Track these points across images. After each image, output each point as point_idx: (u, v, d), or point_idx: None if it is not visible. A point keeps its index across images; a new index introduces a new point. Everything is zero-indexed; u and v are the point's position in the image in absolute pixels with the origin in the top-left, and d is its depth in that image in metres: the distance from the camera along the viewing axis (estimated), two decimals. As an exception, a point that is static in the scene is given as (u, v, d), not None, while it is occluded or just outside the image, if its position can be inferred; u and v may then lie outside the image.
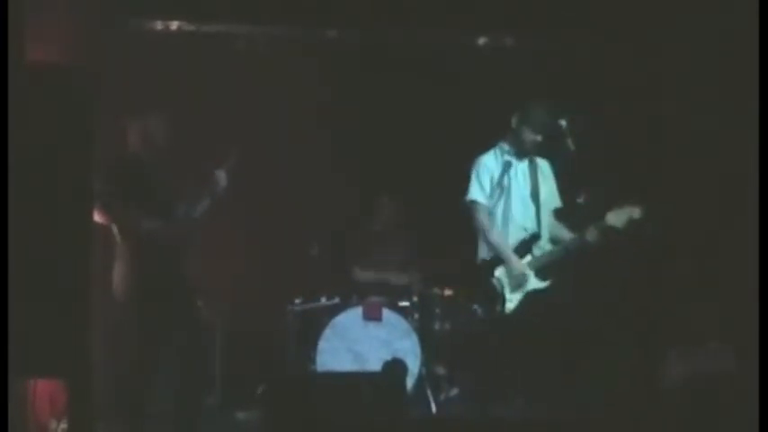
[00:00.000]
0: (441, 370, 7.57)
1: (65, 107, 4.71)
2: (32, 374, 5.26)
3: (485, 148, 6.46)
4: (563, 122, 6.15)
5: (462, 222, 7.87)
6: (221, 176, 6.21)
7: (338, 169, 8.13)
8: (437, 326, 7.61)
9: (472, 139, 7.97)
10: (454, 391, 7.55)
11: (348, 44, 8.24)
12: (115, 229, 6.05)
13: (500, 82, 8.11)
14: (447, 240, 8.00)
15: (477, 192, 6.31)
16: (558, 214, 6.40)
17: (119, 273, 6.06)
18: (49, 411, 6.13)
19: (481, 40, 8.37)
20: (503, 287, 6.17)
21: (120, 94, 7.06)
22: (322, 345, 7.22)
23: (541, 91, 6.92)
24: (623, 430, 5.79)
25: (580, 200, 6.13)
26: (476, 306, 7.65)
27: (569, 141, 6.13)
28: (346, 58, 8.21)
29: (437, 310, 7.64)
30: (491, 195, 6.30)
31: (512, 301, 6.16)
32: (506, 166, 6.30)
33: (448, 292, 7.70)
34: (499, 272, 6.21)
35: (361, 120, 8.24)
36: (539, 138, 6.22)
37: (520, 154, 6.33)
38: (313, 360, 7.20)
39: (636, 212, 6.07)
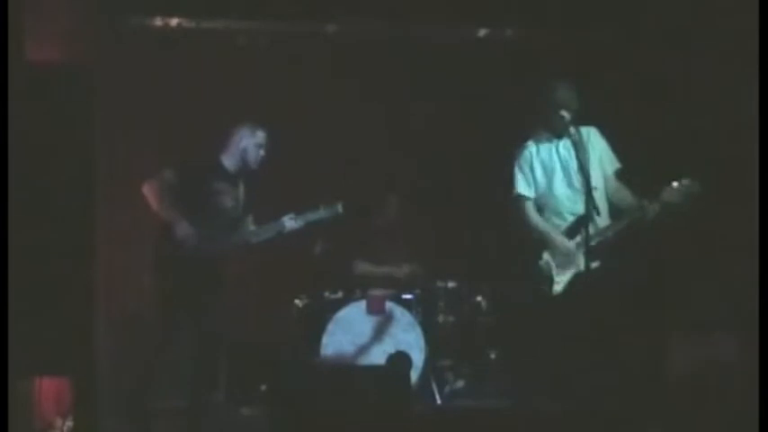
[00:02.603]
0: (445, 362, 7.56)
1: (65, 106, 4.72)
2: (38, 373, 5.27)
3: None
4: (565, 114, 6.13)
5: (465, 214, 7.94)
6: (292, 224, 6.44)
7: (341, 163, 8.12)
8: (441, 318, 7.61)
9: (476, 132, 8.01)
10: (459, 384, 7.55)
11: (348, 38, 8.23)
12: (158, 229, 6.09)
13: (503, 75, 8.10)
14: (450, 233, 8.01)
15: (522, 185, 6.25)
16: (620, 176, 6.30)
17: (151, 272, 6.10)
18: (54, 409, 6.14)
19: (481, 32, 8.36)
20: (551, 269, 6.13)
21: (120, 93, 7.08)
22: (326, 339, 7.23)
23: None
24: (627, 420, 5.80)
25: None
26: (480, 297, 7.69)
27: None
28: (346, 52, 8.20)
29: (440, 303, 7.64)
30: (536, 185, 6.25)
31: (559, 283, 6.12)
32: (546, 150, 6.26)
33: (451, 285, 7.70)
34: (547, 254, 6.17)
35: (363, 114, 8.22)
36: (569, 115, 6.13)
37: (559, 134, 6.24)
38: (317, 354, 7.20)
39: (695, 187, 5.99)
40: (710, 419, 5.72)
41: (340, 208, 6.59)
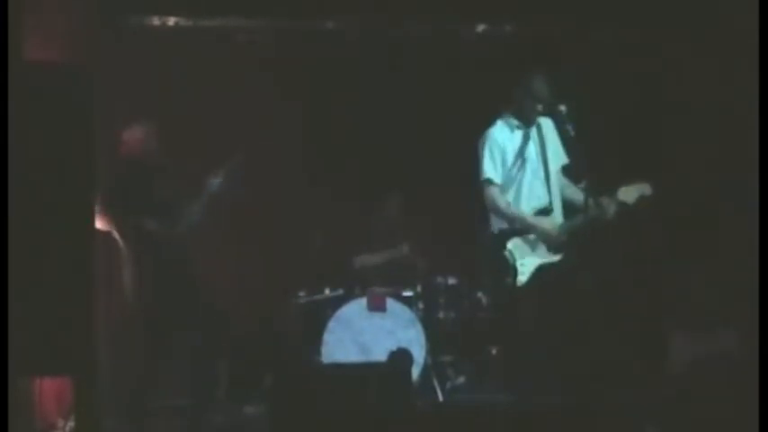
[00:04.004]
0: (446, 359, 7.57)
1: (65, 106, 4.71)
2: (39, 373, 5.27)
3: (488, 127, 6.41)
4: (563, 107, 6.12)
5: (465, 211, 7.93)
6: (214, 182, 6.30)
7: (340, 161, 8.13)
8: (441, 315, 7.62)
9: (475, 127, 8.00)
10: (460, 380, 7.56)
11: (347, 35, 8.24)
12: (118, 233, 6.12)
13: (499, 70, 8.09)
14: (450, 229, 8.01)
15: (491, 169, 6.22)
16: (567, 172, 6.33)
17: (127, 275, 6.13)
18: (55, 410, 6.15)
19: (479, 28, 8.36)
20: (514, 259, 6.12)
21: (120, 92, 7.08)
22: (327, 336, 7.24)
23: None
24: (626, 416, 5.81)
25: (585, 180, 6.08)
26: (480, 293, 7.70)
27: (569, 127, 6.11)
28: (345, 49, 8.20)
29: (441, 300, 7.65)
30: (504, 171, 6.24)
31: (524, 273, 6.12)
32: (519, 138, 6.25)
33: (452, 281, 7.70)
34: (511, 244, 6.16)
35: (362, 111, 8.23)
36: (540, 107, 6.16)
37: (526, 124, 6.27)
38: (318, 352, 7.22)
39: (647, 189, 6.04)
40: (710, 417, 5.73)
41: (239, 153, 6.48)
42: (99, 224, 5.91)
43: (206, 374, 6.36)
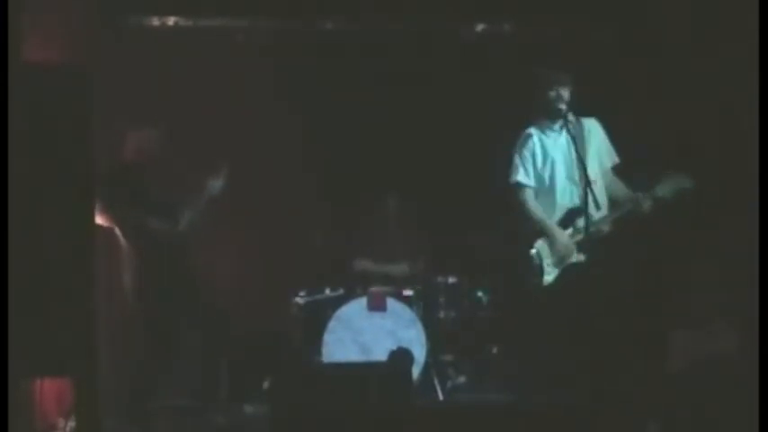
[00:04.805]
0: (447, 358, 7.57)
1: (65, 106, 4.72)
2: (39, 373, 5.27)
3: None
4: (562, 107, 6.12)
5: (465, 210, 7.94)
6: (215, 185, 6.33)
7: (340, 161, 8.13)
8: (442, 314, 7.62)
9: (476, 127, 8.01)
10: (461, 379, 7.56)
11: (346, 35, 8.23)
12: (120, 233, 6.13)
13: (499, 70, 8.10)
14: (451, 229, 8.01)
15: (520, 172, 6.27)
16: (617, 169, 6.32)
17: (127, 275, 6.14)
18: (56, 410, 6.15)
19: (479, 28, 8.36)
20: (541, 259, 6.14)
21: (120, 92, 7.08)
22: (327, 336, 7.24)
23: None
24: (628, 415, 5.81)
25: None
26: (480, 292, 7.70)
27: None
28: (345, 49, 8.20)
29: (441, 299, 7.65)
30: (534, 173, 6.26)
31: (550, 273, 6.13)
32: (547, 139, 6.26)
33: (452, 280, 7.70)
34: (538, 244, 6.18)
35: (362, 111, 8.22)
36: (566, 94, 6.15)
37: (558, 121, 6.24)
38: (319, 352, 7.22)
39: (685, 182, 6.05)
40: (710, 415, 5.73)
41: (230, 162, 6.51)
42: (99, 224, 5.93)
43: (206, 374, 6.37)
